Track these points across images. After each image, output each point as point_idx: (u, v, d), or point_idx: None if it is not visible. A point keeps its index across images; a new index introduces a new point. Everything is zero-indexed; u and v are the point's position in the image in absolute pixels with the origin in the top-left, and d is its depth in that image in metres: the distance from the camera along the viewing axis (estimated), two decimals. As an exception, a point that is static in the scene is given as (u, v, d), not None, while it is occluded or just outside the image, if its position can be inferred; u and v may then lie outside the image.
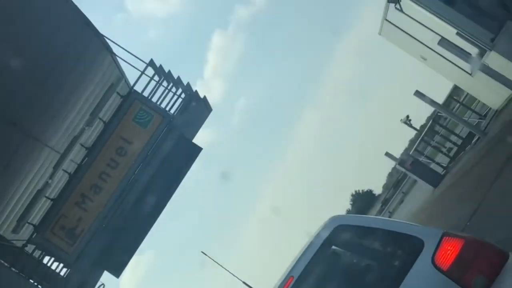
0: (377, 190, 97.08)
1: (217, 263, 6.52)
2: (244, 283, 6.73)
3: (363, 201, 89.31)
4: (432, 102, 27.22)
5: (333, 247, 8.18)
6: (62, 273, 22.60)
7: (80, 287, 22.44)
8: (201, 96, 22.94)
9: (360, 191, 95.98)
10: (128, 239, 22.28)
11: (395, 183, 61.55)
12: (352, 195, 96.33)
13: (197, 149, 22.67)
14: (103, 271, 22.60)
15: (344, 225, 7.73)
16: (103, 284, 23.58)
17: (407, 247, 7.41)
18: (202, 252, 6.56)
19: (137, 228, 22.38)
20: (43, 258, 23.18)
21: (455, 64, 24.86)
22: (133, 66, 22.69)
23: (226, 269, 6.54)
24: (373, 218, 8.12)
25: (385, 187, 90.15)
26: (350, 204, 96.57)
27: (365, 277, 7.91)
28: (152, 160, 22.00)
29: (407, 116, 41.38)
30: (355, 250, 8.28)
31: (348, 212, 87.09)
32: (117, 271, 22.41)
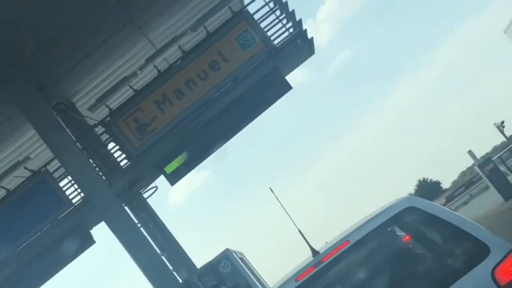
0: (445, 184, 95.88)
1: (280, 204, 6.33)
2: (300, 232, 6.54)
3: (427, 190, 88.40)
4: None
5: (396, 226, 7.95)
6: (121, 164, 22.81)
7: (134, 182, 22.62)
8: (309, 36, 22.53)
9: (428, 180, 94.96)
10: (193, 152, 22.22)
11: (467, 183, 60.63)
12: (419, 181, 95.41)
13: (287, 87, 22.31)
14: (160, 175, 22.67)
15: (416, 208, 7.43)
16: (156, 186, 23.74)
17: (471, 251, 7.14)
18: (270, 188, 6.36)
19: (204, 144, 22.29)
20: (108, 143, 23.44)
21: None
22: (252, -14, 22.43)
23: (287, 213, 6.34)
24: (447, 211, 7.76)
25: (454, 183, 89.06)
26: (414, 189, 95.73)
27: (417, 265, 7.65)
28: (241, 83, 21.77)
29: (502, 122, 40.47)
30: (416, 236, 8.02)
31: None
32: (173, 179, 22.43)
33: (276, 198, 7.59)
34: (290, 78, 22.68)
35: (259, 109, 22.60)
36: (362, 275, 8.33)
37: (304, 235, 7.48)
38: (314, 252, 7.36)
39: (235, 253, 22.22)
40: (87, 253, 22.83)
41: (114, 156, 23.04)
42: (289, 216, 7.43)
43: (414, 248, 8.10)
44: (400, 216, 7.51)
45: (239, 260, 22.13)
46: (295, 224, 7.39)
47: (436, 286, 6.95)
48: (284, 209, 7.49)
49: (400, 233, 8.25)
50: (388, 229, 7.95)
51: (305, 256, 8.00)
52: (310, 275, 7.19)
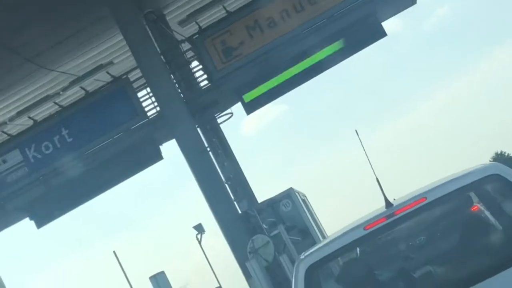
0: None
1: (363, 148, 5.99)
2: (377, 180, 6.22)
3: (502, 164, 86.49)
4: None
5: (476, 191, 7.49)
6: (201, 84, 22.63)
7: (211, 104, 22.37)
8: (413, -16, 21.79)
9: (506, 154, 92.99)
10: (273, 84, 21.86)
11: (546, 163, 59.27)
12: (496, 153, 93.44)
13: (382, 33, 21.61)
14: (237, 102, 22.41)
15: (501, 176, 6.90)
16: (232, 113, 23.47)
17: None
18: (355, 131, 6.02)
19: (288, 78, 21.88)
20: (192, 61, 23.26)
21: None
22: None
23: (368, 159, 6.00)
24: None
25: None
26: (490, 161, 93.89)
27: (485, 235, 7.19)
28: (335, 22, 21.20)
29: None
30: (491, 205, 7.56)
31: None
32: (250, 108, 22.21)
33: (360, 141, 7.19)
34: (385, 24, 22.01)
35: (350, 51, 21.99)
36: (429, 235, 8.00)
37: (381, 185, 7.08)
38: (388, 204, 6.95)
39: (298, 193, 21.99)
40: (152, 169, 23.01)
41: (195, 76, 22.84)
42: (370, 163, 7.02)
43: (489, 218, 7.67)
44: (483, 182, 7.06)
45: (301, 201, 21.91)
46: (374, 173, 6.99)
47: (503, 261, 6.53)
48: (366, 155, 7.08)
49: (476, 200, 7.84)
50: (467, 194, 7.54)
51: (370, 207, 7.67)
52: (380, 225, 6.82)
